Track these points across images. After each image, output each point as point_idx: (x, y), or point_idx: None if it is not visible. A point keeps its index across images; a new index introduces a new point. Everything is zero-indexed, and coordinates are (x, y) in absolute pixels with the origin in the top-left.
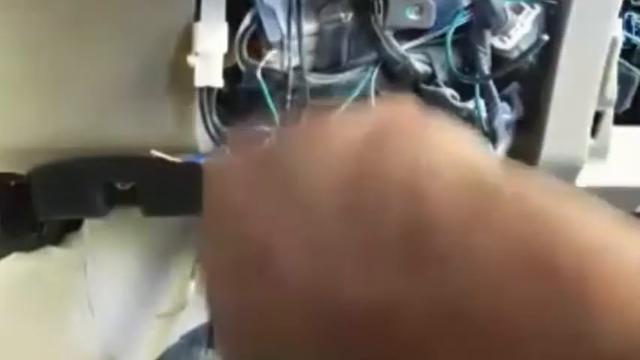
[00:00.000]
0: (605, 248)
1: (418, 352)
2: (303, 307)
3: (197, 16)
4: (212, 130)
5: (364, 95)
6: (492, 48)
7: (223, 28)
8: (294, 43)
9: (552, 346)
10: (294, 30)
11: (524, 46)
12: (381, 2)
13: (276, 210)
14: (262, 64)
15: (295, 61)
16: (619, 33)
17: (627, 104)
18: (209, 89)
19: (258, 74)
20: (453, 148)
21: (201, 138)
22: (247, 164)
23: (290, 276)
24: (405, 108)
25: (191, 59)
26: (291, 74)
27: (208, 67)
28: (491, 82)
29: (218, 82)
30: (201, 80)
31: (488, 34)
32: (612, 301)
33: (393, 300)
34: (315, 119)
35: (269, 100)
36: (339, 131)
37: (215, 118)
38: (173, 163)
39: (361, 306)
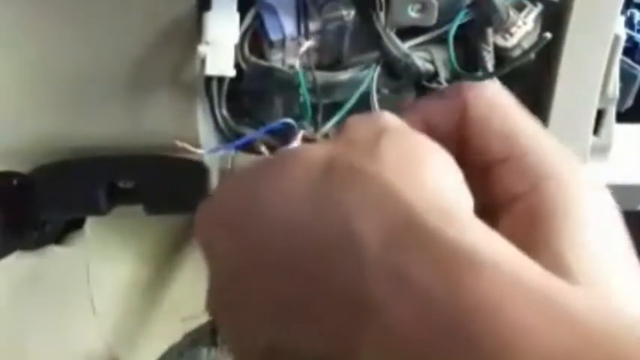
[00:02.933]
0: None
1: None
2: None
3: (207, 6)
4: (222, 123)
5: (366, 93)
6: (494, 46)
7: (235, 18)
8: (301, 41)
9: None
10: (296, 29)
11: (526, 44)
12: (383, 0)
13: (233, 255)
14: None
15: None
16: (621, 31)
17: (629, 102)
18: (219, 81)
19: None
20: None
21: (204, 135)
22: (217, 203)
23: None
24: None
25: (202, 48)
26: (301, 73)
27: (219, 57)
28: (495, 80)
29: (230, 71)
30: (212, 69)
31: (490, 31)
32: None
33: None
34: (277, 154)
35: (307, 102)
36: (297, 167)
37: (225, 112)
38: (175, 161)
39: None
